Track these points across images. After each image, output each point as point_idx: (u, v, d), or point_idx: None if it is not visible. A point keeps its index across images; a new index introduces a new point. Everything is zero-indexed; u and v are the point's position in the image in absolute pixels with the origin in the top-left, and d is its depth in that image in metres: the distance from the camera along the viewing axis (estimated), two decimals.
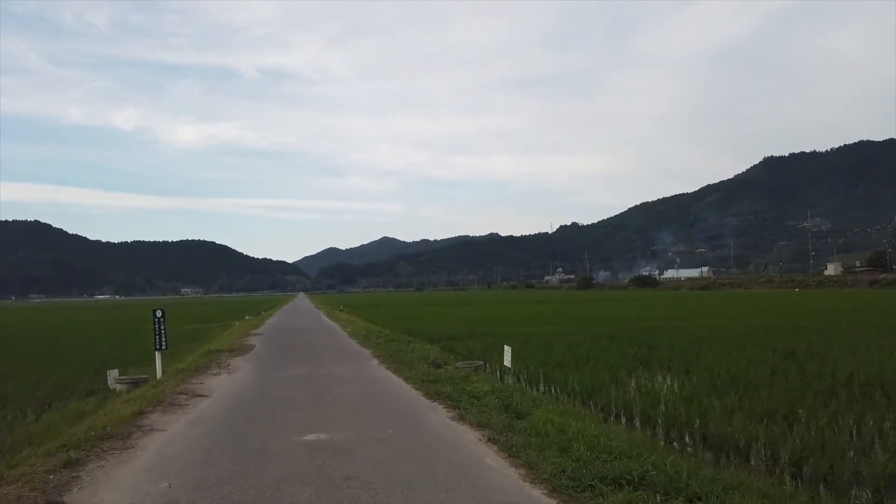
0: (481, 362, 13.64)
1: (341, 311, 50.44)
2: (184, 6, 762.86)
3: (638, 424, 8.55)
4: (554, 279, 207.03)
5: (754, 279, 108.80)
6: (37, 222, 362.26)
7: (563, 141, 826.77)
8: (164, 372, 12.85)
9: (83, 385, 13.52)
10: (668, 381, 10.92)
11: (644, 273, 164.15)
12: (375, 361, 14.49)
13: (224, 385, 11.08)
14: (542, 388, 11.83)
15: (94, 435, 6.98)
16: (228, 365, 14.15)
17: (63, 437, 7.11)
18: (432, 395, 9.36)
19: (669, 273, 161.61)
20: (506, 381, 11.90)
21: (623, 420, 8.91)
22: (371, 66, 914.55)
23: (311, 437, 6.81)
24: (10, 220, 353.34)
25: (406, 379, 11.26)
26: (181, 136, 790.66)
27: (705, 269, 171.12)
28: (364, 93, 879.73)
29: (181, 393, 10.14)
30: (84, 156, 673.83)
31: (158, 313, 13.09)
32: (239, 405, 9.09)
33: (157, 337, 12.98)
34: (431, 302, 70.77)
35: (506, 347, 12.11)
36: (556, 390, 11.33)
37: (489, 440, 6.53)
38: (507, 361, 11.90)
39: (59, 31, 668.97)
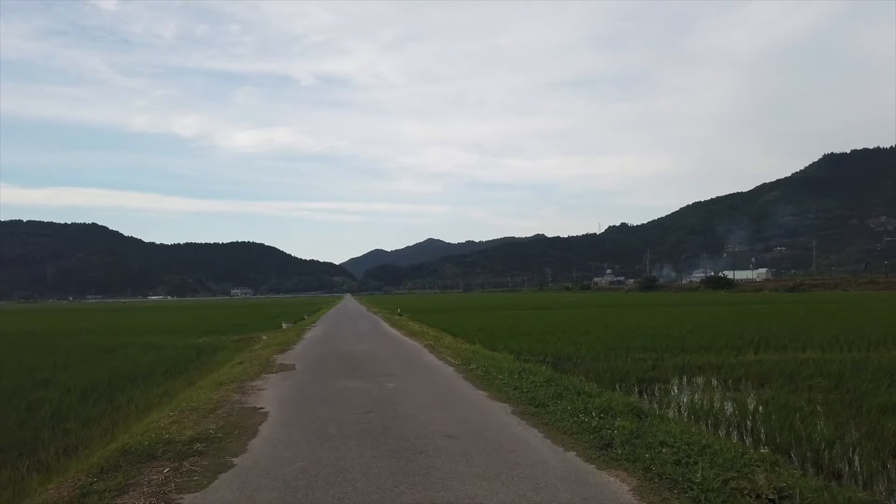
0: None
1: (400, 315, 44.61)
2: (246, 17, 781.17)
3: None
4: (603, 281, 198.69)
5: (851, 280, 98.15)
6: (94, 225, 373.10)
7: (612, 141, 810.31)
8: None
9: None
10: None
11: (700, 273, 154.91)
12: None
13: None
14: None
15: None
16: None
17: None
18: None
19: (740, 274, 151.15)
20: None
21: None
22: (422, 71, 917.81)
23: None
24: (69, 223, 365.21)
25: None
26: (238, 141, 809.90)
27: (763, 270, 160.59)
28: (415, 97, 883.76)
29: None
30: (144, 161, 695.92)
31: None
32: None
33: None
34: (495, 306, 64.51)
35: None
36: None
37: None
38: None
39: (128, 42, 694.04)
